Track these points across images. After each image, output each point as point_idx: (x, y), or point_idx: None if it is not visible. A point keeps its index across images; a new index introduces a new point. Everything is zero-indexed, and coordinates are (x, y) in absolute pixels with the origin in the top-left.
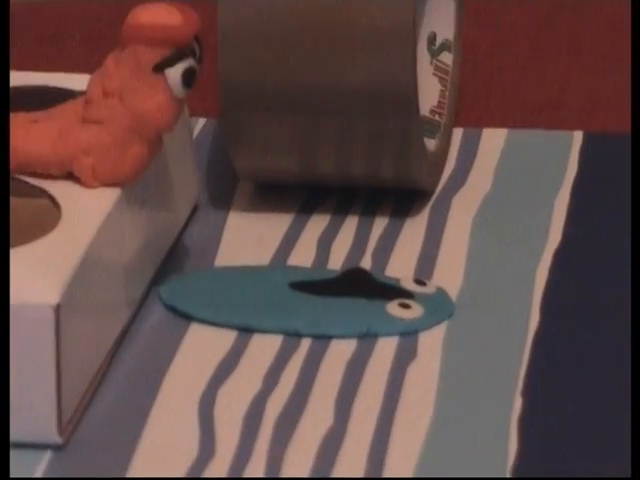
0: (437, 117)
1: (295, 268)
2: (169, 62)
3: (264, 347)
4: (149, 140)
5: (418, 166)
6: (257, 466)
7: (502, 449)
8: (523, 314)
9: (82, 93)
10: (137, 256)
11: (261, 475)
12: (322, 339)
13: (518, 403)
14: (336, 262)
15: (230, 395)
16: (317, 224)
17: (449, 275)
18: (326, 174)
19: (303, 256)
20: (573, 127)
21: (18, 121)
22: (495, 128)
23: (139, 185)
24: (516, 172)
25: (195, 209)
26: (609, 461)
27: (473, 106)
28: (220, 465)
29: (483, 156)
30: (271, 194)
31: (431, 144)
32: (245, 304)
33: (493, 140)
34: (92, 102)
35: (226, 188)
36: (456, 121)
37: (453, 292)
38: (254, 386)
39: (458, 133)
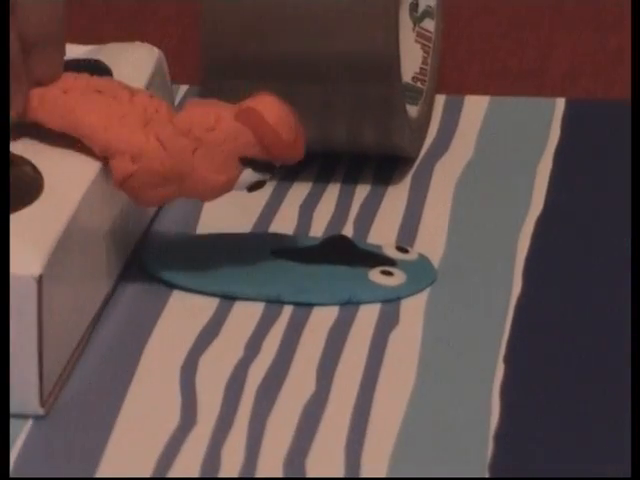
0: (419, 84)
1: (277, 235)
2: (255, 166)
3: (246, 314)
4: (182, 194)
5: (400, 133)
6: (239, 434)
7: (484, 415)
8: (505, 281)
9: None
10: (119, 225)
11: (243, 442)
12: (304, 306)
13: (500, 369)
14: (318, 229)
15: (212, 363)
16: (299, 191)
17: (431, 242)
18: (308, 141)
19: (285, 223)
20: (556, 94)
21: (80, 84)
22: (477, 95)
23: None
24: (498, 139)
25: None
26: (592, 426)
27: (455, 73)
28: (202, 433)
29: (465, 123)
30: None
31: (413, 111)
32: (227, 272)
33: (475, 107)
34: (174, 128)
35: None
36: (438, 88)
37: (435, 259)
38: (236, 353)
39: (440, 100)
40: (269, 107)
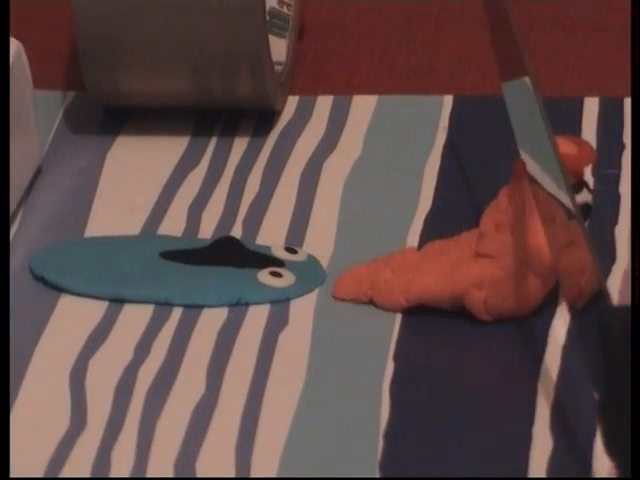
0: (285, 9)
1: (166, 237)
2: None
3: (135, 317)
4: (542, 275)
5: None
6: (129, 436)
7: (374, 414)
8: None
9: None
10: None
11: (133, 444)
12: (193, 308)
13: (390, 368)
14: (207, 231)
15: (101, 366)
16: (187, 193)
17: (320, 242)
18: (185, 94)
19: (174, 225)
20: (443, 92)
21: (413, 259)
22: (365, 95)
23: None
24: (386, 137)
25: (39, 172)
26: (479, 419)
27: (343, 73)
28: (91, 436)
29: (353, 122)
30: (143, 161)
31: (281, 46)
32: (116, 274)
33: (363, 106)
34: (485, 236)
35: (97, 157)
36: (326, 88)
37: (324, 259)
38: (125, 356)
39: (328, 100)
40: None
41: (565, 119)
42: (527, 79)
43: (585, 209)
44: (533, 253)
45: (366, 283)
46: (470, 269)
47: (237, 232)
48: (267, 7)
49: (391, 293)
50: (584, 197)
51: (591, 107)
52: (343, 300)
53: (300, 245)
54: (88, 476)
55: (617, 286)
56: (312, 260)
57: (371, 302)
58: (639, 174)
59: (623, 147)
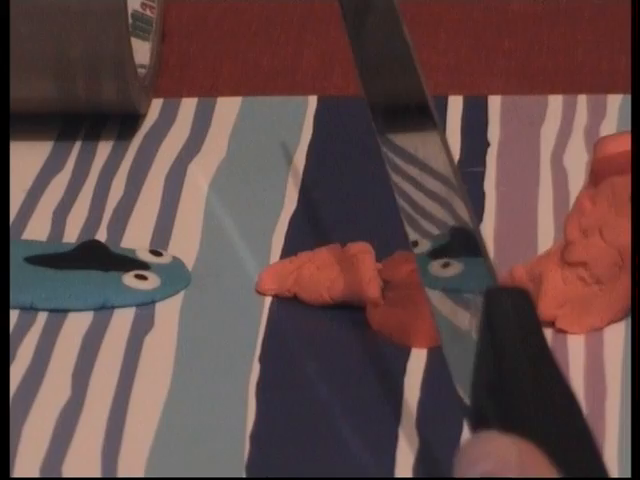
0: (148, 12)
1: (30, 242)
2: None
3: None
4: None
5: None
6: None
7: (241, 416)
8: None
9: None
10: None
11: None
12: (58, 312)
13: (256, 369)
14: (71, 235)
15: None
16: (51, 198)
17: (185, 244)
18: (48, 99)
19: (38, 230)
20: (307, 92)
21: (337, 257)
22: (229, 97)
23: None
24: (251, 138)
25: None
26: (345, 419)
27: (207, 75)
28: None
29: (218, 124)
30: None
31: (145, 49)
32: None
33: (228, 108)
34: (573, 243)
35: None
36: (189, 91)
37: (189, 261)
38: None
39: (192, 102)
40: (606, 144)
41: None
42: None
43: None
44: (624, 252)
45: (290, 279)
46: (557, 289)
47: (102, 236)
48: (130, 10)
49: (315, 289)
50: None
51: (455, 105)
52: (266, 295)
53: (165, 247)
54: None
55: None
56: (177, 262)
57: (295, 297)
58: (639, 174)
59: (487, 145)
